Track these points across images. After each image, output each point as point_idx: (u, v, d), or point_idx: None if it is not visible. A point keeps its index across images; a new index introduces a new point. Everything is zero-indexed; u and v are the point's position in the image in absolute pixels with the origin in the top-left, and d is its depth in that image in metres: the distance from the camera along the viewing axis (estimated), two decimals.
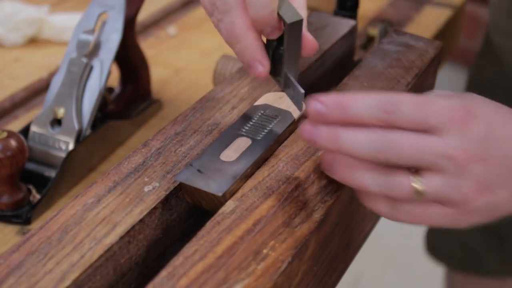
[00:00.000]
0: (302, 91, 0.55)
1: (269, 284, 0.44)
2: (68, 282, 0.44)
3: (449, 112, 0.46)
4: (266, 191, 0.51)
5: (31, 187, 0.69)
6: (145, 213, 0.50)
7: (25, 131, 0.73)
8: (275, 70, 0.56)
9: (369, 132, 0.47)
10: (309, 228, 0.49)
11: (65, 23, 0.96)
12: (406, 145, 0.46)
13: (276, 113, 0.59)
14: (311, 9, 0.89)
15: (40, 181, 0.70)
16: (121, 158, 0.59)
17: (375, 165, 0.48)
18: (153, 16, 1.03)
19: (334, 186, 0.53)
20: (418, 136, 0.46)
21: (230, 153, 0.54)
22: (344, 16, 0.79)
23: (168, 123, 0.59)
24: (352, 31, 0.74)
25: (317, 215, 0.50)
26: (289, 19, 0.52)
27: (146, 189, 0.52)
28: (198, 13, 1.07)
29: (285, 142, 0.56)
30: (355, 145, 0.47)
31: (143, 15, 0.99)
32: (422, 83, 0.68)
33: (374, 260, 1.75)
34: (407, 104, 0.46)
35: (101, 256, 0.46)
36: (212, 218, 0.49)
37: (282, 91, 0.58)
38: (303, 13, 0.55)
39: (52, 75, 0.84)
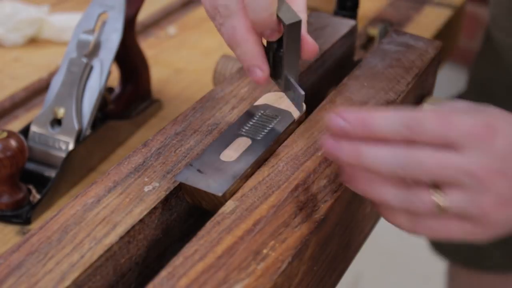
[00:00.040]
0: (303, 92, 0.55)
1: (269, 284, 0.44)
2: (68, 282, 0.44)
3: (471, 129, 0.46)
4: (266, 191, 0.51)
5: (31, 187, 0.69)
6: (145, 213, 0.50)
7: (25, 131, 0.73)
8: (276, 73, 0.57)
9: (392, 148, 0.47)
10: (309, 228, 0.49)
11: (65, 23, 0.96)
12: (429, 161, 0.46)
13: (276, 113, 0.59)
14: (311, 9, 0.89)
15: (40, 181, 0.70)
16: (121, 158, 0.59)
17: (396, 180, 0.48)
18: (153, 16, 1.03)
19: (334, 186, 0.53)
20: (440, 152, 0.46)
21: (230, 153, 0.54)
22: (344, 16, 0.79)
23: (168, 123, 0.59)
24: (352, 31, 0.74)
25: (317, 215, 0.50)
26: (287, 20, 0.53)
27: (146, 189, 0.52)
28: (198, 13, 1.07)
29: (285, 142, 0.56)
30: (378, 161, 0.47)
31: (143, 15, 0.99)
32: (422, 83, 0.68)
33: (374, 260, 1.75)
34: (430, 121, 0.47)
35: (101, 256, 0.46)
36: (212, 218, 0.49)
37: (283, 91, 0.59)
38: (303, 16, 0.56)
39: (52, 75, 0.84)
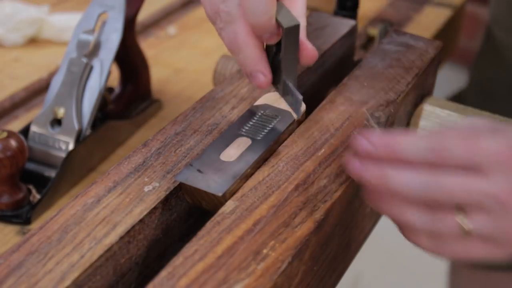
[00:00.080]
0: (301, 97, 0.56)
1: (269, 284, 0.44)
2: (68, 282, 0.44)
3: (496, 153, 0.47)
4: (266, 191, 0.51)
5: (31, 187, 0.69)
6: (145, 213, 0.50)
7: (25, 131, 0.73)
8: (274, 78, 0.57)
9: (417, 172, 0.48)
10: (309, 228, 0.49)
11: (65, 23, 0.96)
12: (454, 185, 0.47)
13: (276, 113, 0.59)
14: (311, 9, 0.89)
15: (40, 181, 0.70)
16: (121, 158, 0.59)
17: (421, 202, 0.48)
18: (153, 16, 1.03)
19: (334, 186, 0.53)
20: (465, 176, 0.47)
21: (230, 153, 0.54)
22: (344, 16, 0.79)
23: (168, 123, 0.59)
24: (352, 31, 0.74)
25: (317, 215, 0.50)
26: (286, 24, 0.53)
27: (146, 189, 0.52)
28: (198, 13, 1.07)
29: (285, 142, 0.56)
30: (403, 184, 0.48)
31: (143, 15, 0.99)
32: (422, 83, 0.68)
33: (374, 260, 1.75)
34: (455, 145, 0.47)
35: (101, 256, 0.46)
36: (212, 218, 0.49)
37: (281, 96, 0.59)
38: (302, 21, 0.56)
39: (52, 75, 0.84)
